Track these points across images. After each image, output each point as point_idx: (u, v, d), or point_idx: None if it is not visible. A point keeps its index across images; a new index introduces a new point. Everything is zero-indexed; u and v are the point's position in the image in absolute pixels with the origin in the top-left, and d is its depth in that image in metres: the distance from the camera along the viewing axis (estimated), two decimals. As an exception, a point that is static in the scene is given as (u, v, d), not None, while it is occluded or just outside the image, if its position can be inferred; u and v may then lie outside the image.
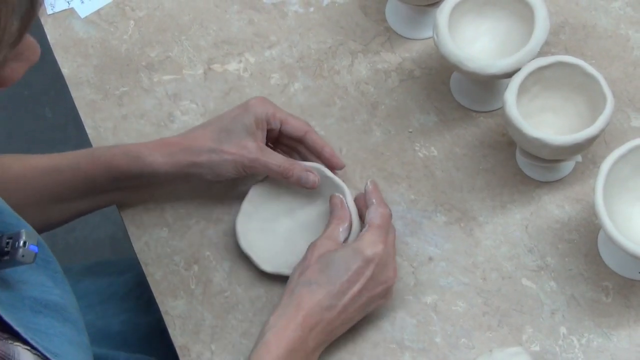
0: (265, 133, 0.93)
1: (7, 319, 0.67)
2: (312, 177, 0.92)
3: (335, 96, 1.03)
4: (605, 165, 0.85)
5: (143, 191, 0.97)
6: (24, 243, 0.67)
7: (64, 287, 0.80)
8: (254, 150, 0.91)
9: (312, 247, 0.87)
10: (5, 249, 0.67)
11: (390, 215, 0.89)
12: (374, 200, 0.89)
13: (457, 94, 1.01)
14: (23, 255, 0.67)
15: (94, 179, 0.92)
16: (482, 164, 0.98)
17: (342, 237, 0.88)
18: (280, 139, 0.96)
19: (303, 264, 0.87)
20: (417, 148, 1.00)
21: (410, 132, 1.01)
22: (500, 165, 0.98)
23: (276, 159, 0.92)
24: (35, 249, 0.68)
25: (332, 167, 0.95)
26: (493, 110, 1.01)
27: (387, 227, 0.88)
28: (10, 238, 0.67)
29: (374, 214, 0.88)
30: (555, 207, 0.95)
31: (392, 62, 1.05)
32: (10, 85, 0.60)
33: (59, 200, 0.93)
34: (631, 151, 0.87)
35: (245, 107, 0.93)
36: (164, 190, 0.97)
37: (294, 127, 0.93)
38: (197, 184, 0.96)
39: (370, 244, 0.85)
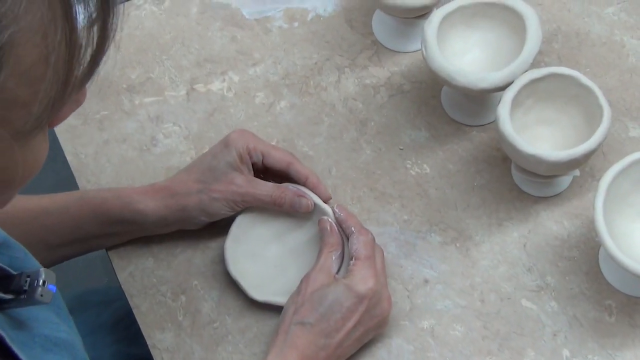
0: (250, 165, 0.90)
1: (22, 357, 0.65)
2: (305, 202, 0.89)
3: (322, 114, 1.00)
4: (604, 182, 0.82)
5: (132, 237, 0.94)
6: (43, 282, 0.65)
7: (69, 323, 0.78)
8: (243, 184, 0.89)
9: (305, 280, 0.84)
10: (24, 287, 0.65)
11: (373, 240, 0.86)
12: (352, 229, 0.86)
13: (448, 108, 0.98)
14: (42, 295, 0.65)
15: (82, 225, 0.90)
16: (476, 180, 0.95)
17: (335, 267, 0.85)
18: (266, 173, 0.93)
19: (297, 299, 0.84)
20: (408, 165, 0.96)
21: (401, 149, 0.97)
22: (495, 181, 0.95)
23: (266, 189, 0.89)
24: (54, 288, 0.66)
25: (318, 196, 0.92)
26: (486, 124, 0.98)
27: (374, 255, 0.85)
28: (29, 276, 0.65)
29: (358, 245, 0.85)
30: (553, 223, 0.92)
31: (381, 77, 1.01)
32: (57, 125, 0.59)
33: (46, 246, 0.90)
34: (631, 165, 0.83)
35: (226, 143, 0.90)
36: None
37: (275, 159, 0.90)
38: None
39: (362, 280, 0.83)
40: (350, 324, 0.82)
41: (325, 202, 0.91)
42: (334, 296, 0.82)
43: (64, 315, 0.78)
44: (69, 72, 0.54)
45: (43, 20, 0.49)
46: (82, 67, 0.55)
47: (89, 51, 0.55)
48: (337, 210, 0.88)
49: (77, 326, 1.09)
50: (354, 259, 0.85)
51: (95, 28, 0.55)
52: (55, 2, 0.50)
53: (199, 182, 0.89)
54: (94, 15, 0.55)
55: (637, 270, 0.78)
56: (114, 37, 0.57)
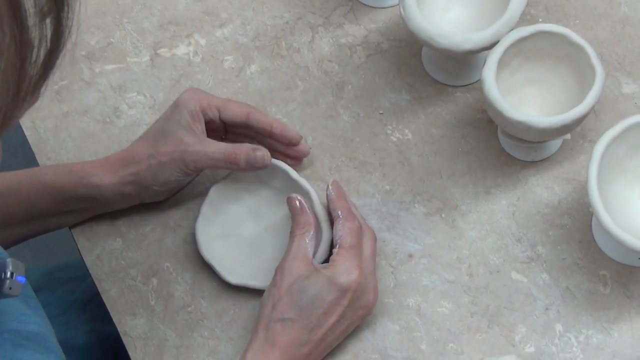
0: (203, 125, 0.84)
1: None
2: (260, 154, 0.82)
3: (296, 77, 0.94)
4: (598, 149, 0.77)
5: (92, 213, 0.88)
6: (11, 274, 0.60)
7: (40, 312, 0.74)
8: (192, 142, 0.82)
9: (280, 270, 0.79)
10: None
11: (360, 227, 0.80)
12: (339, 213, 0.80)
13: (430, 68, 0.92)
14: (10, 288, 0.60)
15: (36, 204, 0.85)
16: (461, 146, 0.89)
17: (310, 250, 0.79)
18: (229, 130, 0.87)
19: (273, 292, 0.78)
20: (389, 131, 0.91)
21: (381, 113, 0.91)
22: (481, 146, 0.89)
23: (218, 147, 0.82)
24: (23, 280, 0.61)
25: (289, 144, 0.86)
26: (470, 84, 0.92)
27: (360, 245, 0.79)
28: None
29: (343, 232, 0.79)
30: (543, 189, 0.87)
31: (357, 36, 0.95)
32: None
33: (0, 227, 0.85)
34: (626, 130, 0.78)
35: (176, 104, 0.84)
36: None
37: (233, 112, 0.84)
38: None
39: (345, 272, 0.77)
40: (333, 318, 0.77)
41: (296, 144, 0.85)
42: (315, 290, 0.77)
43: (33, 304, 0.74)
44: (21, 77, 0.48)
45: None
46: (36, 69, 0.49)
47: (43, 50, 0.49)
48: (330, 187, 0.82)
49: (48, 305, 1.04)
50: (337, 246, 0.79)
51: (47, 23, 0.49)
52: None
53: (149, 147, 0.83)
54: (45, 9, 0.49)
55: (635, 245, 0.74)
56: (70, 32, 0.51)
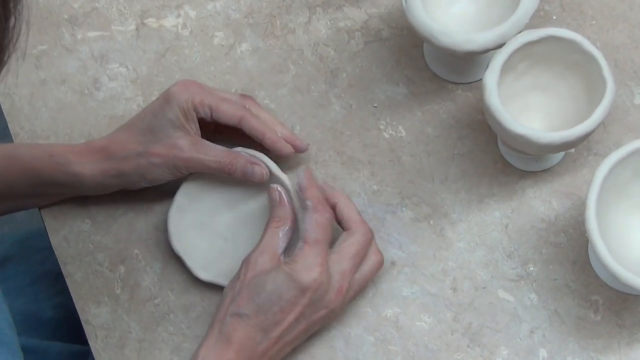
0: (197, 123, 0.79)
1: None
2: (259, 170, 0.78)
3: (289, 61, 0.88)
4: (600, 173, 0.71)
5: (67, 197, 0.84)
6: None
7: None
8: (187, 147, 0.77)
9: (246, 263, 0.74)
10: None
11: (330, 220, 0.75)
12: (308, 203, 0.75)
13: (431, 61, 0.86)
14: None
15: (11, 184, 0.81)
16: (457, 148, 0.84)
17: (281, 246, 0.75)
18: (219, 130, 0.82)
19: (235, 285, 0.74)
20: (382, 127, 0.85)
21: (375, 107, 0.86)
22: (478, 150, 0.84)
23: (214, 154, 0.78)
24: None
25: (279, 154, 0.80)
26: (473, 82, 0.86)
27: (327, 239, 0.74)
28: None
29: (309, 225, 0.74)
30: (540, 202, 0.82)
31: (357, 20, 0.89)
32: None
33: None
34: (632, 154, 0.72)
35: (166, 98, 0.78)
36: None
37: (225, 114, 0.79)
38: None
39: (305, 269, 0.72)
40: (291, 317, 0.73)
41: (290, 154, 0.80)
42: (273, 286, 0.72)
43: None
44: None
45: None
46: None
47: None
48: (301, 175, 0.76)
49: (18, 275, 1.01)
50: (301, 241, 0.74)
51: None
52: None
53: (138, 143, 0.78)
54: None
55: (632, 282, 0.68)
56: (19, 15, 0.46)
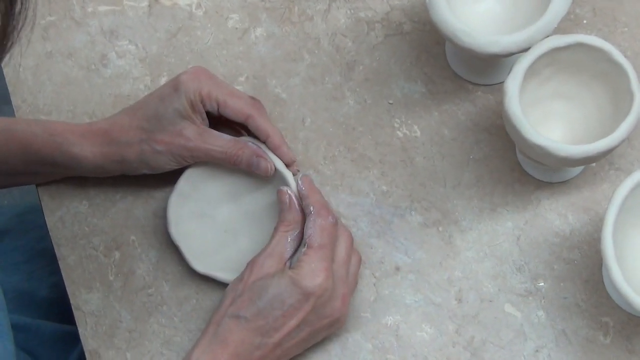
0: (204, 114, 0.76)
1: None
2: (265, 164, 0.75)
3: (304, 49, 0.84)
4: (622, 191, 0.67)
5: (64, 176, 0.81)
6: None
7: None
8: (192, 136, 0.75)
9: (251, 265, 0.72)
10: None
11: (335, 225, 0.72)
12: (312, 208, 0.72)
13: (452, 61, 0.82)
14: None
15: (7, 160, 0.78)
16: (473, 153, 0.80)
17: (289, 250, 0.72)
18: (224, 123, 0.79)
19: (237, 286, 0.71)
20: (396, 125, 0.82)
21: (391, 103, 0.82)
22: (495, 156, 0.80)
23: (220, 143, 0.75)
24: None
25: (279, 159, 0.78)
26: (495, 84, 0.82)
27: (331, 244, 0.71)
28: None
29: (313, 230, 0.71)
30: (556, 215, 0.78)
31: (378, 11, 0.85)
32: None
33: None
34: (656, 174, 0.68)
35: (175, 86, 0.75)
36: None
37: (233, 111, 0.76)
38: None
39: (309, 274, 0.69)
40: (292, 323, 0.70)
41: (288, 165, 0.77)
42: (276, 290, 0.70)
43: None
44: None
45: None
46: None
47: None
48: (300, 182, 0.74)
49: (15, 250, 0.98)
50: (305, 246, 0.71)
51: None
52: None
53: (141, 130, 0.75)
54: None
55: (643, 308, 0.65)
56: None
